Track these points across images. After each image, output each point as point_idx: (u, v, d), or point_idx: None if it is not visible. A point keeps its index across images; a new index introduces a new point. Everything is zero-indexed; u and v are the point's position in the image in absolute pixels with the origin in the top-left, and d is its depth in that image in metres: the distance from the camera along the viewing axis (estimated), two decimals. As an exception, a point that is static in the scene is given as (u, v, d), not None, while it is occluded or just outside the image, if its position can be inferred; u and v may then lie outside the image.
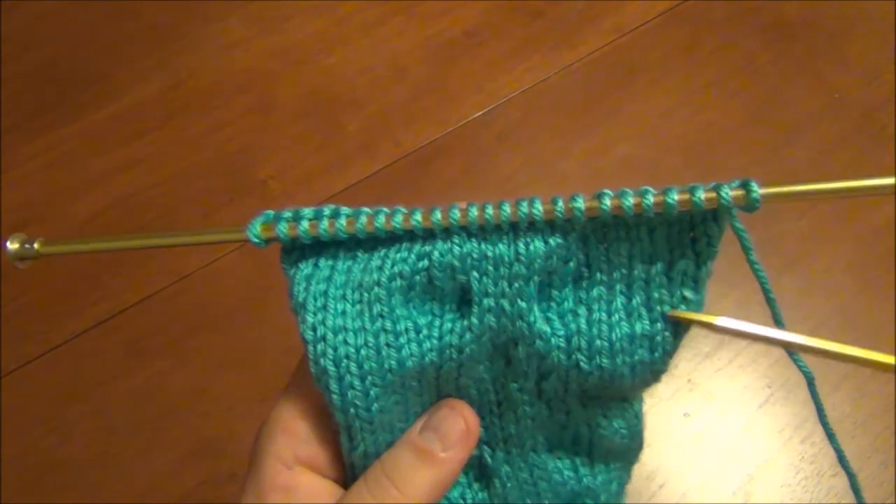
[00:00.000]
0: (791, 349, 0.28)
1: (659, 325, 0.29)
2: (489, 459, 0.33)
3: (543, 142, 0.80)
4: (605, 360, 0.29)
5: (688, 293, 0.29)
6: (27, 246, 0.31)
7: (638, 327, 0.29)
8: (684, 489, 0.60)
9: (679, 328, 0.29)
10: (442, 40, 0.88)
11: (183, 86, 0.86)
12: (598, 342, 0.29)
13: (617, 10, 0.89)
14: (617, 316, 0.29)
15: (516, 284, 0.28)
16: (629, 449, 0.35)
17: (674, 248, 0.29)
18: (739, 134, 0.79)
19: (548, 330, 0.29)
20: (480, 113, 0.82)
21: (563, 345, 0.29)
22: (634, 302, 0.29)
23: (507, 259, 0.28)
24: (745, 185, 0.26)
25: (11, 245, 0.31)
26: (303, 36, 0.89)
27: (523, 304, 0.28)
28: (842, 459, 0.33)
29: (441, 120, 0.82)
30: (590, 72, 0.85)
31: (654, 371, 0.30)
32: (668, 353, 0.29)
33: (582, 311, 0.29)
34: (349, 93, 0.85)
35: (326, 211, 0.28)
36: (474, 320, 0.28)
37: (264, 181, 0.79)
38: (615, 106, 0.82)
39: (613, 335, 0.29)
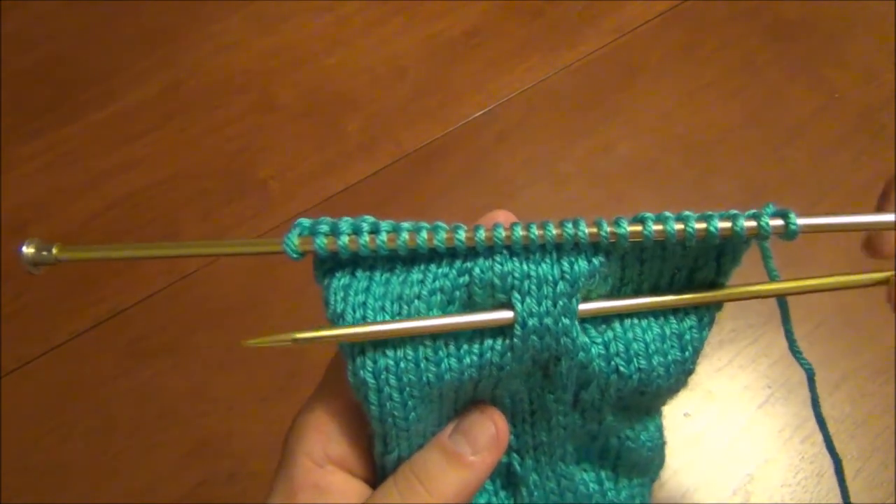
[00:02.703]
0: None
1: (685, 323, 0.30)
2: (518, 467, 0.33)
3: (543, 142, 0.80)
4: (642, 362, 0.30)
5: None
6: (44, 252, 0.30)
7: (667, 328, 0.30)
8: (684, 489, 0.60)
9: (704, 324, 0.31)
10: (442, 40, 0.88)
11: (183, 86, 0.86)
12: (634, 345, 0.30)
13: (617, 10, 0.89)
14: (647, 319, 0.30)
15: (561, 302, 0.28)
16: (652, 463, 0.36)
17: (699, 258, 0.30)
18: (739, 134, 0.80)
19: (588, 340, 0.29)
20: (480, 113, 0.82)
21: (602, 352, 0.30)
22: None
23: (551, 278, 0.28)
24: (783, 216, 0.27)
25: (27, 250, 0.30)
26: (303, 36, 0.89)
27: (567, 322, 0.28)
28: (829, 445, 0.34)
29: (441, 120, 0.82)
30: (590, 72, 0.85)
31: (685, 371, 0.31)
32: (697, 351, 0.31)
33: (614, 317, 0.31)
34: (349, 93, 0.85)
35: (365, 225, 0.28)
36: (517, 342, 0.28)
37: (264, 181, 0.79)
38: (615, 106, 0.82)
39: (647, 336, 0.30)
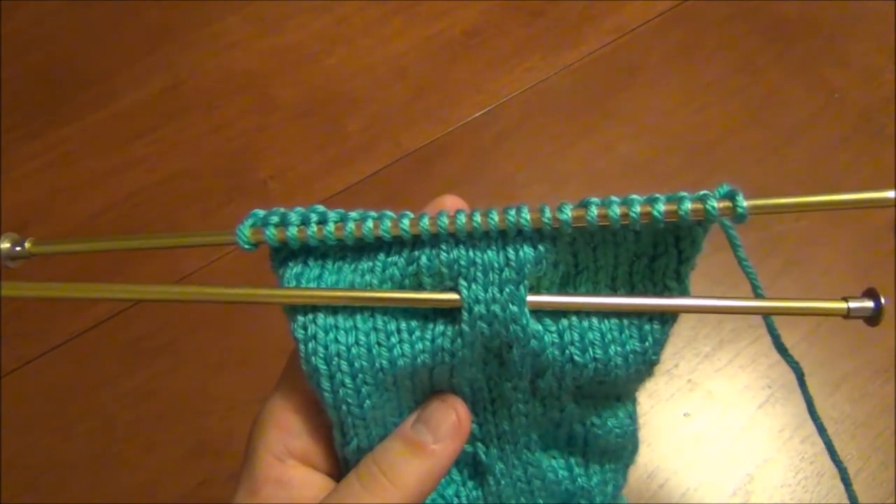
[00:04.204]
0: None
1: (646, 315, 0.29)
2: (483, 456, 0.33)
3: (543, 142, 0.80)
4: (598, 352, 0.29)
5: (670, 283, 0.29)
6: (17, 248, 0.31)
7: (625, 318, 0.29)
8: (684, 489, 0.60)
9: (667, 317, 0.30)
10: (442, 40, 0.88)
11: (183, 86, 0.86)
12: (589, 334, 0.29)
13: (617, 10, 0.89)
14: None
15: (507, 289, 0.28)
16: (623, 449, 0.35)
17: (658, 244, 0.29)
18: (739, 134, 0.80)
19: (540, 328, 0.29)
20: (480, 113, 0.82)
21: (556, 340, 0.29)
22: (619, 293, 0.30)
23: (496, 265, 0.28)
24: (731, 198, 0.26)
25: (2, 244, 0.31)
26: (303, 36, 0.89)
27: (515, 308, 0.28)
28: (831, 451, 0.33)
29: (441, 120, 0.82)
30: (590, 72, 0.85)
31: (647, 361, 0.30)
32: (659, 342, 0.30)
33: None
34: (349, 93, 0.85)
35: (314, 216, 0.28)
36: (465, 327, 0.28)
37: (264, 181, 0.79)
38: (615, 106, 0.82)
39: (603, 326, 0.29)
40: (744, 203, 0.26)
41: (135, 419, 0.65)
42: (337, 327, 0.28)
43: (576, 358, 0.29)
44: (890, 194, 0.25)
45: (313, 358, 0.28)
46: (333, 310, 0.28)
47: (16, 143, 0.82)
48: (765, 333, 0.66)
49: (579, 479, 0.34)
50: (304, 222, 0.28)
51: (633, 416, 0.34)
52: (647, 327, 0.29)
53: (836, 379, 0.64)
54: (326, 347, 0.28)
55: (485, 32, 0.88)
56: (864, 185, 0.75)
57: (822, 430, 0.33)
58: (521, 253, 0.28)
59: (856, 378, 0.64)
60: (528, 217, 0.27)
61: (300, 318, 0.28)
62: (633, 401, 0.35)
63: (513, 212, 0.27)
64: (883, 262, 0.70)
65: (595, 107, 0.82)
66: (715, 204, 0.26)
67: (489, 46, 0.87)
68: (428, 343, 0.29)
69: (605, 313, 0.29)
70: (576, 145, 0.80)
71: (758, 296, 0.30)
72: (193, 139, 0.82)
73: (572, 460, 0.34)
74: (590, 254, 0.30)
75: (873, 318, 0.27)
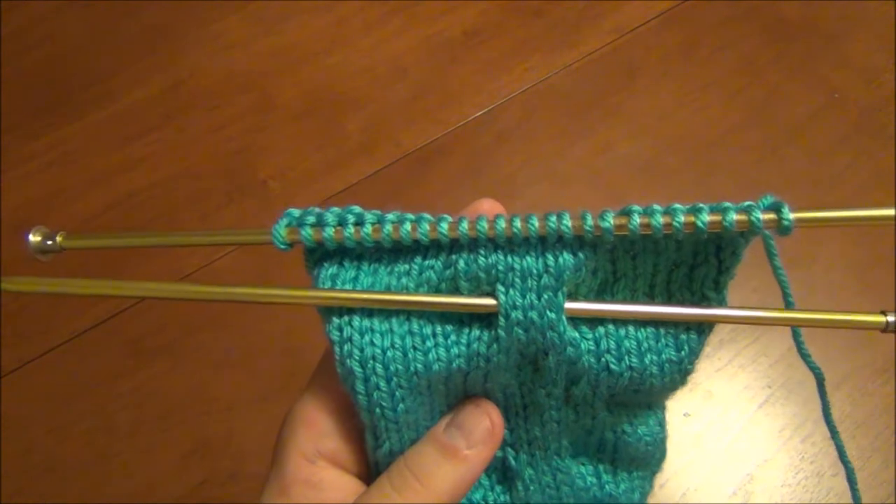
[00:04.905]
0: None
1: (682, 324, 0.29)
2: (513, 461, 0.33)
3: (543, 142, 0.80)
4: (634, 360, 0.29)
5: (709, 292, 0.29)
6: (48, 241, 0.30)
7: (662, 327, 0.29)
8: (684, 489, 0.60)
9: (703, 326, 0.29)
10: (442, 40, 0.88)
11: (183, 86, 0.86)
12: (626, 342, 0.29)
13: (617, 10, 0.89)
14: None
15: (545, 296, 0.27)
16: (652, 457, 0.35)
17: (698, 254, 0.29)
18: (739, 134, 0.80)
19: (577, 336, 0.29)
20: (480, 113, 0.82)
21: (592, 348, 0.29)
22: (657, 302, 0.30)
23: (535, 271, 0.28)
24: (777, 210, 0.26)
25: (34, 237, 0.30)
26: (303, 36, 0.89)
27: (553, 315, 0.27)
28: (842, 454, 0.33)
29: (441, 120, 0.82)
30: (590, 72, 0.85)
31: (682, 370, 0.30)
32: (695, 352, 0.30)
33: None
34: (349, 93, 0.85)
35: (351, 217, 0.28)
36: (501, 333, 0.28)
37: (264, 181, 0.79)
38: (615, 106, 0.82)
39: (640, 334, 0.29)
40: (790, 216, 0.26)
41: (135, 419, 0.65)
42: (373, 330, 0.28)
43: (612, 366, 0.29)
44: None
45: (349, 360, 0.28)
46: (369, 312, 0.28)
47: (16, 143, 0.82)
48: (765, 333, 0.67)
49: (607, 486, 0.34)
50: (342, 223, 0.28)
51: (662, 424, 0.34)
52: (683, 336, 0.29)
53: (837, 379, 0.64)
54: (362, 350, 0.28)
55: (485, 32, 0.88)
56: (864, 186, 0.75)
57: (834, 432, 0.33)
58: (560, 259, 0.28)
59: (856, 378, 0.64)
60: (570, 224, 0.27)
61: (335, 320, 0.28)
62: (663, 408, 0.35)
63: (554, 218, 0.27)
64: (883, 261, 0.70)
65: (595, 107, 0.82)
66: (760, 216, 0.26)
67: (489, 46, 0.87)
68: (463, 348, 0.29)
69: (642, 322, 0.29)
70: (576, 145, 0.80)
71: (789, 306, 0.30)
72: (193, 139, 0.82)
73: (601, 467, 0.34)
74: (629, 262, 0.29)
75: None
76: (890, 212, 0.26)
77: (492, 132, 0.81)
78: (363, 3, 0.91)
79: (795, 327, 0.31)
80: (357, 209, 0.28)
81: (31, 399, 0.66)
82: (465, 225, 0.28)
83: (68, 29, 0.92)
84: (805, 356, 0.31)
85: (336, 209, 0.28)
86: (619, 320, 0.29)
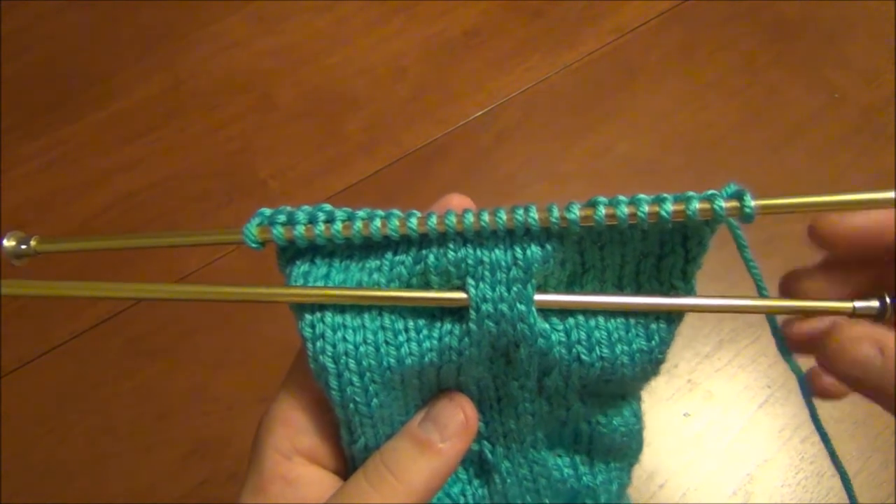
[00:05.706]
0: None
1: (652, 314, 0.29)
2: (489, 455, 0.33)
3: (543, 142, 0.80)
4: (604, 350, 0.29)
5: (677, 282, 0.29)
6: (23, 246, 0.31)
7: (632, 317, 0.29)
8: (684, 489, 0.60)
9: (673, 316, 0.30)
10: (442, 40, 0.88)
11: (183, 86, 0.86)
12: (596, 333, 0.29)
13: (617, 10, 0.89)
14: None
15: (515, 288, 0.28)
16: (629, 448, 0.35)
17: (665, 244, 0.29)
18: (739, 134, 0.80)
19: (547, 327, 0.29)
20: (480, 113, 0.82)
21: (563, 339, 0.29)
22: (626, 292, 0.30)
23: (504, 264, 0.28)
24: (739, 198, 0.26)
25: (8, 242, 0.31)
26: (303, 36, 0.89)
27: (523, 307, 0.28)
28: (835, 459, 0.33)
29: (441, 120, 0.82)
30: (590, 72, 0.85)
31: (653, 360, 0.30)
32: (665, 341, 0.30)
33: None
34: (349, 93, 0.85)
35: (322, 215, 0.28)
36: (472, 326, 0.28)
37: (264, 181, 0.79)
38: (615, 106, 0.82)
39: (610, 325, 0.29)
40: (751, 203, 0.26)
41: (135, 419, 0.65)
42: (345, 326, 0.28)
43: (582, 357, 0.29)
44: (891, 194, 0.25)
45: (321, 356, 0.28)
46: (341, 308, 0.28)
47: (16, 143, 0.82)
48: (764, 333, 0.66)
49: (584, 478, 0.34)
50: (312, 221, 0.28)
51: (637, 415, 0.35)
52: (653, 326, 0.29)
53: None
54: (334, 346, 0.28)
55: (485, 32, 0.88)
56: (864, 186, 0.75)
57: (825, 438, 0.33)
58: (528, 252, 0.28)
59: (856, 378, 0.64)
60: (537, 216, 0.27)
61: (308, 317, 0.28)
62: (638, 399, 0.35)
63: (521, 211, 0.27)
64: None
65: (595, 107, 0.82)
66: (723, 204, 0.26)
67: (489, 46, 0.87)
68: (435, 342, 0.29)
69: (611, 312, 0.29)
70: (576, 145, 0.80)
71: (762, 295, 0.30)
72: (193, 139, 0.82)
73: (577, 459, 0.34)
74: (597, 253, 0.30)
75: (879, 316, 0.27)
76: (854, 196, 0.26)
77: (492, 132, 0.81)
78: (363, 3, 0.91)
79: (776, 330, 0.31)
80: (328, 207, 0.28)
81: (31, 399, 0.66)
82: (433, 220, 0.28)
83: (68, 29, 0.92)
84: (785, 355, 0.31)
85: (307, 207, 0.28)
86: (589, 311, 0.29)
